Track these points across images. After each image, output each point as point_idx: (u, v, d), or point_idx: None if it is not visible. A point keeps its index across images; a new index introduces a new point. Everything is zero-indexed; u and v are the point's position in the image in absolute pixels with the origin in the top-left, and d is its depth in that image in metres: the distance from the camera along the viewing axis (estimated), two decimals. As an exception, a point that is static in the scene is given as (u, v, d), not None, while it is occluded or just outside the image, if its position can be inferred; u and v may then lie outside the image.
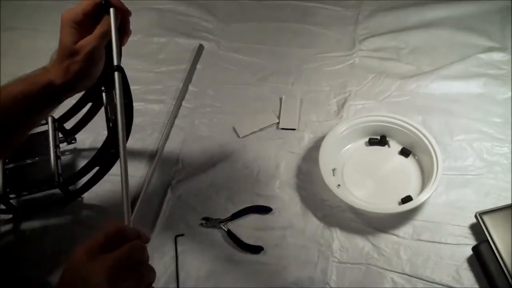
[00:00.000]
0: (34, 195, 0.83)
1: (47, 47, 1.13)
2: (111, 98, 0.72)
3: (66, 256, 0.48)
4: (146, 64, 1.08)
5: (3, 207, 0.82)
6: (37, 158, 0.83)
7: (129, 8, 0.65)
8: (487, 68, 1.01)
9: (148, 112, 0.99)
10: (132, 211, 0.72)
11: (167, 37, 1.13)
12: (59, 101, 0.66)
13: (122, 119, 0.60)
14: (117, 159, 0.74)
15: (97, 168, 0.78)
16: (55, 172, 0.80)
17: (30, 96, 0.61)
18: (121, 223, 0.53)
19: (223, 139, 0.95)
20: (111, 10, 0.63)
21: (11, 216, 0.85)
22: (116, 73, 0.62)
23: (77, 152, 0.94)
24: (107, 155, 0.75)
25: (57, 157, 0.82)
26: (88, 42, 0.62)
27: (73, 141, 0.93)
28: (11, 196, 0.80)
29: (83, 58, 0.61)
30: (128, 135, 0.75)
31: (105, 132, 0.74)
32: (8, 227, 0.84)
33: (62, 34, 0.62)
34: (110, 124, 0.73)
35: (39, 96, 0.62)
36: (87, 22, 0.62)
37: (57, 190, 0.81)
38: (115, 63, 0.62)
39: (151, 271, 0.50)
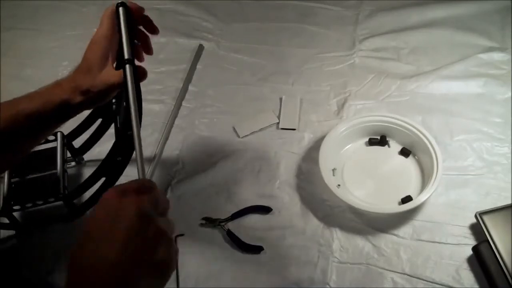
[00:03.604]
0: (39, 210, 0.81)
1: (47, 47, 1.15)
2: (120, 106, 0.72)
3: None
4: (146, 64, 1.06)
5: (6, 220, 0.80)
6: (43, 173, 0.82)
7: None
8: (487, 68, 1.01)
9: (148, 112, 0.99)
10: None
11: (167, 37, 1.13)
12: (70, 117, 0.66)
13: (135, 108, 0.59)
14: (124, 168, 0.73)
15: (103, 179, 0.76)
16: (61, 184, 0.79)
17: (44, 115, 0.62)
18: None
19: (223, 139, 0.95)
20: (120, 9, 0.62)
21: (13, 232, 0.82)
22: (127, 66, 0.61)
23: (84, 165, 0.92)
24: (113, 164, 0.73)
25: (64, 171, 0.82)
26: (113, 76, 0.62)
27: (82, 161, 0.91)
28: (15, 208, 0.79)
29: (104, 88, 0.62)
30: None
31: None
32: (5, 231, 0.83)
33: (89, 51, 0.63)
34: (117, 126, 0.73)
35: (53, 114, 0.62)
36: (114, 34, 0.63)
37: (62, 206, 0.80)
38: (126, 56, 0.62)
39: (173, 224, 0.51)
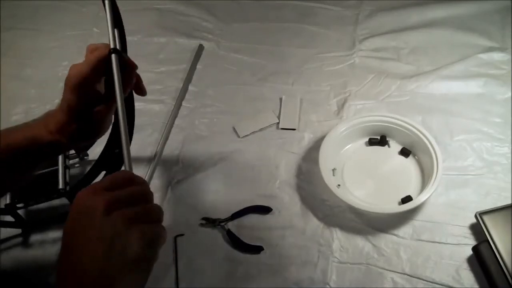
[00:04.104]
0: (42, 208, 0.82)
1: (47, 47, 1.15)
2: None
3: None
4: (146, 64, 1.07)
5: (11, 219, 0.80)
6: (45, 170, 0.81)
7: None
8: (487, 68, 1.01)
9: (148, 112, 0.99)
10: None
11: (167, 37, 1.14)
12: (66, 151, 0.65)
13: (122, 100, 0.57)
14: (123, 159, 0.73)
15: (104, 172, 0.76)
16: (63, 180, 0.79)
17: (34, 152, 0.61)
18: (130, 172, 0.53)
19: (223, 139, 0.95)
20: (106, 2, 0.61)
21: (20, 231, 0.82)
22: (113, 56, 0.59)
23: (88, 162, 0.91)
24: (112, 156, 0.73)
25: (66, 167, 0.82)
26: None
27: (86, 157, 0.91)
28: (19, 205, 0.78)
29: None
30: (133, 126, 0.74)
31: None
32: (9, 230, 0.83)
33: (65, 93, 0.60)
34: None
35: (43, 151, 0.62)
36: (95, 78, 0.60)
37: (66, 204, 0.80)
38: (111, 46, 0.60)
39: (158, 209, 0.51)
